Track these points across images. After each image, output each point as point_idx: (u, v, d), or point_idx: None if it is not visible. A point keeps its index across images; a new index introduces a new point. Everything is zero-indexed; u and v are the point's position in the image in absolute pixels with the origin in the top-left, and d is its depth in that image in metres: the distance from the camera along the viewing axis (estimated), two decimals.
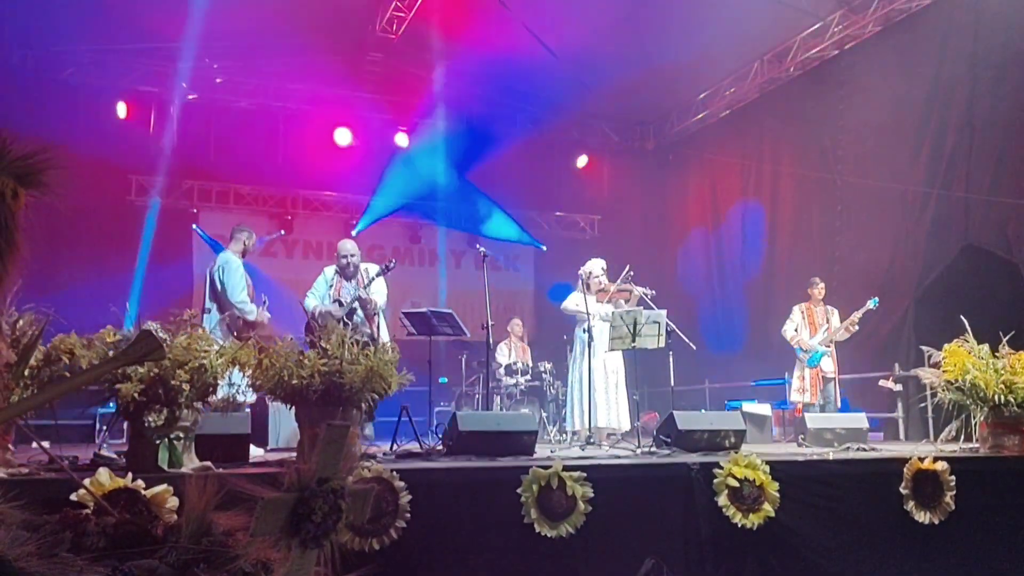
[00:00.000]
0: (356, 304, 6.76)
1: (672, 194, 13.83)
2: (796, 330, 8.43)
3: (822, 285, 8.50)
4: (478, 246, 7.36)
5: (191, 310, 3.98)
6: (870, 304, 8.09)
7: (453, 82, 12.33)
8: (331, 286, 6.96)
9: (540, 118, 13.55)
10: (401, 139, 12.89)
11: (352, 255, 7.01)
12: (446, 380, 10.63)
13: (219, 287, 6.49)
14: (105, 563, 1.73)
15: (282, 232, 12.30)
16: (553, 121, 13.59)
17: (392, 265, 6.95)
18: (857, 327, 8.20)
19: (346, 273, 6.94)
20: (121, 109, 11.34)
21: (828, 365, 8.29)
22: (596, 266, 7.65)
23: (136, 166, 11.49)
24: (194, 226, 11.89)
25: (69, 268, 9.99)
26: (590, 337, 7.10)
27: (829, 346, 8.30)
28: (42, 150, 1.91)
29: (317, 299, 6.95)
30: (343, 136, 12.58)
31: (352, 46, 11.35)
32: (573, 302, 7.53)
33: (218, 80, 11.89)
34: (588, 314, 7.10)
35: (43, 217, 2.01)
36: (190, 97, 11.80)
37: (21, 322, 3.45)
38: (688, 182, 13.47)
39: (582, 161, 14.00)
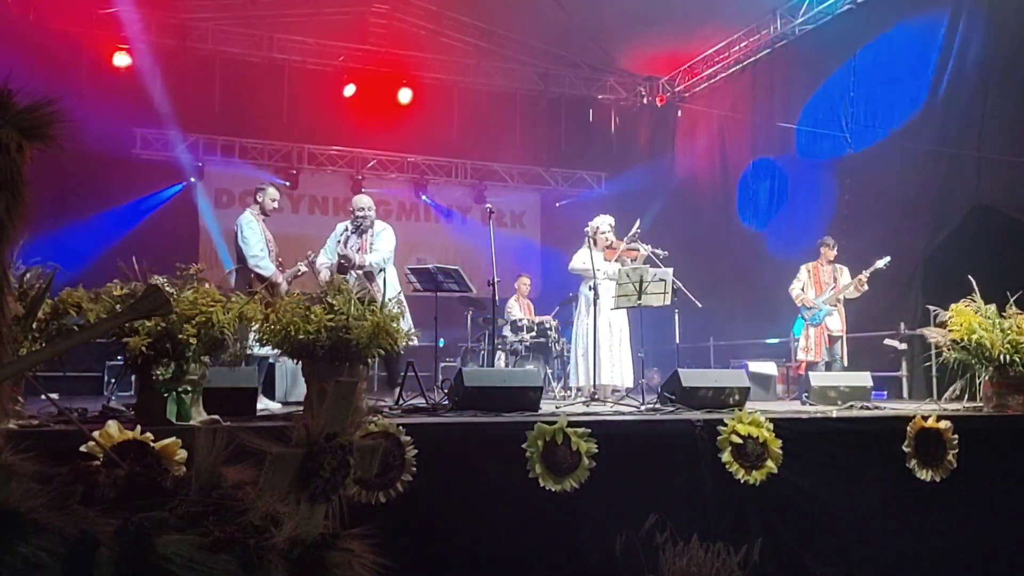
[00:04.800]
0: (348, 263, 6.74)
1: (682, 150, 13.70)
2: (803, 289, 8.43)
3: (835, 245, 8.45)
4: (486, 203, 7.35)
5: (197, 265, 3.98)
6: (880, 263, 8.05)
7: (458, 35, 12.17)
8: (339, 241, 6.98)
9: (547, 72, 13.39)
10: (405, 93, 12.76)
11: (369, 209, 7.05)
12: (443, 343, 10.65)
13: (238, 245, 6.66)
14: (116, 515, 1.74)
15: (287, 183, 12.27)
16: (560, 76, 13.44)
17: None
18: (867, 286, 8.17)
19: (361, 228, 6.95)
20: (122, 59, 11.22)
21: (834, 324, 8.27)
22: (604, 222, 7.60)
23: (140, 120, 11.43)
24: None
25: (75, 221, 10.00)
26: (595, 294, 7.08)
27: (835, 305, 8.29)
28: (47, 103, 1.88)
29: (327, 256, 6.98)
30: (348, 90, 12.45)
31: None
32: (580, 261, 7.50)
33: (223, 32, 11.76)
34: (595, 271, 7.07)
35: (49, 170, 2.00)
36: (194, 49, 11.66)
37: (28, 275, 3.46)
38: (698, 138, 13.33)
39: (590, 116, 13.84)
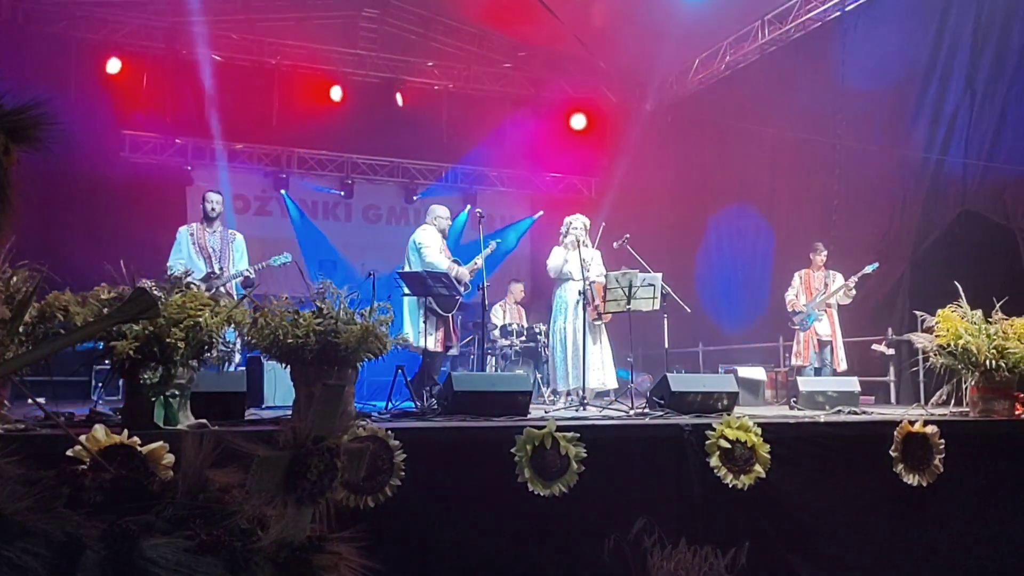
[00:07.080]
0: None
1: (671, 156, 13.72)
2: (796, 296, 8.48)
3: (824, 251, 8.50)
4: (470, 206, 7.39)
5: (186, 269, 3.97)
6: (868, 269, 8.12)
7: (448, 39, 12.18)
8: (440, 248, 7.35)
9: (538, 78, 13.41)
10: (396, 97, 12.75)
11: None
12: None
13: None
14: (102, 518, 1.74)
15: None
16: (551, 81, 13.46)
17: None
18: (855, 291, 8.22)
19: (446, 234, 7.54)
20: (113, 64, 11.19)
21: (823, 328, 8.32)
22: (577, 220, 7.64)
23: (129, 122, 11.39)
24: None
25: (62, 225, 9.94)
26: (584, 297, 7.10)
27: (824, 310, 8.33)
28: (34, 105, 1.88)
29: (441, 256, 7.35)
30: (338, 94, 12.43)
31: (347, 2, 11.19)
32: (555, 269, 7.58)
33: (212, 36, 11.73)
34: (582, 271, 7.12)
35: (36, 173, 2.00)
36: (183, 53, 11.63)
37: (15, 279, 3.44)
38: (687, 144, 13.36)
39: (579, 122, 13.85)
